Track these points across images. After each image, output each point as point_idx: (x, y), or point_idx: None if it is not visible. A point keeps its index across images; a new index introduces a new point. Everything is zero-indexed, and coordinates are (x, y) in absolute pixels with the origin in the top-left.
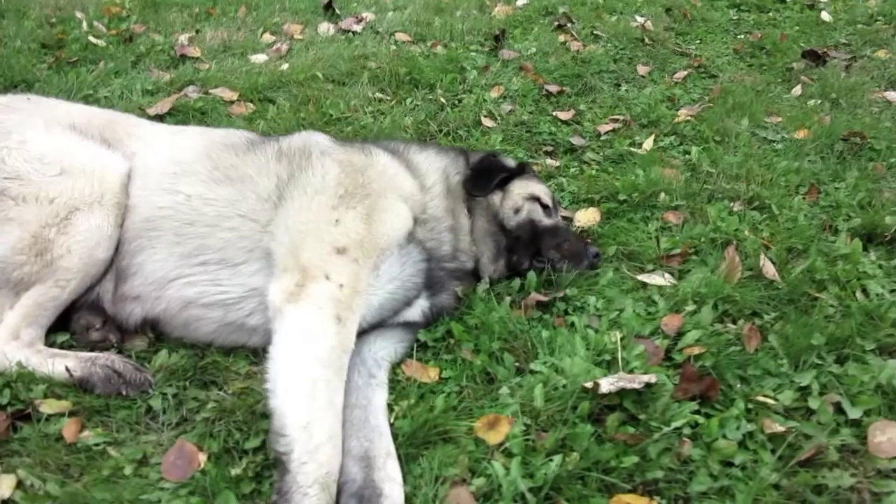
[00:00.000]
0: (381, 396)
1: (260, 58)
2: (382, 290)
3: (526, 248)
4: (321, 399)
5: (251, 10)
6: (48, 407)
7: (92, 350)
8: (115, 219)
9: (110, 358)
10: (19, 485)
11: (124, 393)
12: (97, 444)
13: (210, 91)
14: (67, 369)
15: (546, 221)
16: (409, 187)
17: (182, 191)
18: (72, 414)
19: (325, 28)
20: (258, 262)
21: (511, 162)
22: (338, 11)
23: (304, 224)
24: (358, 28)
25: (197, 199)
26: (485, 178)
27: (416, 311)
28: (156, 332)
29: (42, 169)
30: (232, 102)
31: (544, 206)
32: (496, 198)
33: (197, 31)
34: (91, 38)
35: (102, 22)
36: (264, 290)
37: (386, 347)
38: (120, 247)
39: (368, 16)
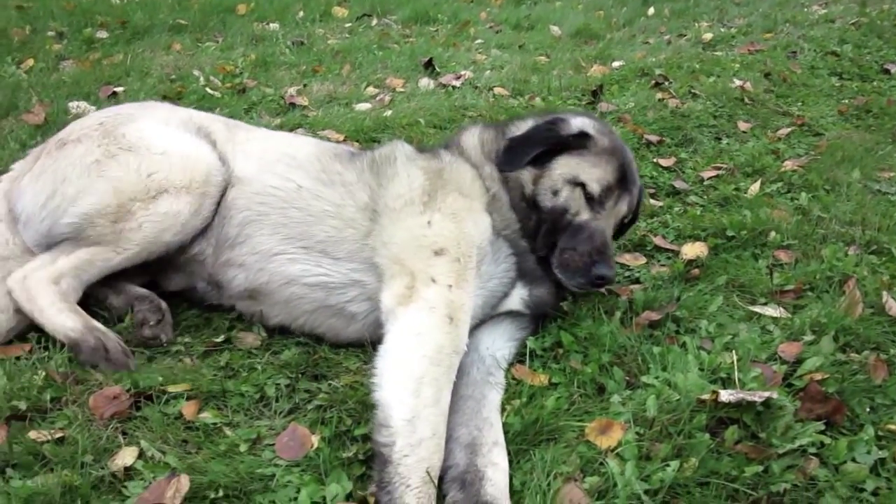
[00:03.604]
0: (496, 395)
1: (364, 106)
2: (484, 290)
3: (546, 237)
4: (427, 396)
5: (355, 67)
6: (172, 388)
7: (145, 346)
8: (197, 208)
9: (108, 336)
10: (141, 455)
11: (102, 367)
12: (214, 424)
13: (318, 133)
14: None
15: (579, 218)
16: (470, 175)
17: (294, 180)
18: (189, 398)
19: (426, 83)
20: (359, 263)
21: (573, 127)
22: (437, 69)
23: (401, 234)
24: (457, 83)
25: (307, 192)
26: (516, 153)
27: (515, 300)
28: (255, 299)
29: (150, 146)
30: (339, 142)
31: (588, 199)
32: (526, 174)
33: (304, 86)
34: (208, 90)
35: (217, 78)
36: (371, 289)
37: (502, 348)
38: (226, 214)
39: (467, 73)
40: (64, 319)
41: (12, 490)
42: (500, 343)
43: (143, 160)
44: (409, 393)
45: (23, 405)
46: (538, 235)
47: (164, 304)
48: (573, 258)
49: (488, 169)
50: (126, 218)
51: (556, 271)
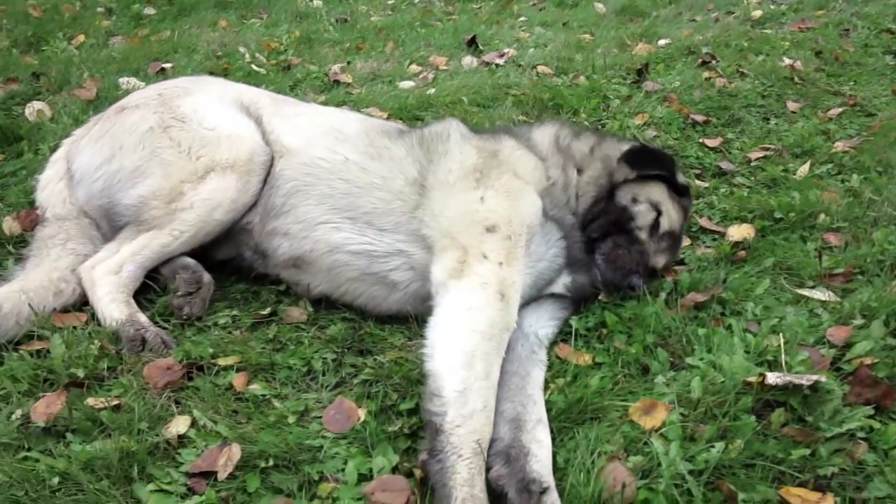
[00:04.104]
0: (539, 372)
1: (407, 84)
2: (534, 270)
3: (605, 225)
4: (479, 369)
5: (398, 45)
6: (222, 360)
7: (178, 313)
8: (244, 185)
9: (149, 329)
10: (193, 424)
11: (139, 354)
12: (263, 396)
13: (362, 110)
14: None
15: (638, 232)
16: (533, 164)
17: (341, 153)
18: (239, 370)
19: (469, 61)
20: (405, 235)
21: (681, 178)
22: (480, 47)
23: (453, 208)
24: (500, 61)
25: (353, 165)
26: (645, 161)
27: (559, 285)
28: (299, 267)
29: (202, 121)
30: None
31: (653, 226)
32: (625, 169)
33: (348, 63)
34: (253, 67)
35: (263, 55)
36: (415, 259)
37: (545, 327)
38: (273, 184)
39: (510, 51)
40: (112, 309)
41: (73, 454)
42: (542, 322)
43: (193, 136)
44: (461, 365)
45: (80, 373)
46: (597, 218)
47: (206, 278)
48: (622, 257)
49: (556, 158)
50: (178, 198)
51: (599, 258)
